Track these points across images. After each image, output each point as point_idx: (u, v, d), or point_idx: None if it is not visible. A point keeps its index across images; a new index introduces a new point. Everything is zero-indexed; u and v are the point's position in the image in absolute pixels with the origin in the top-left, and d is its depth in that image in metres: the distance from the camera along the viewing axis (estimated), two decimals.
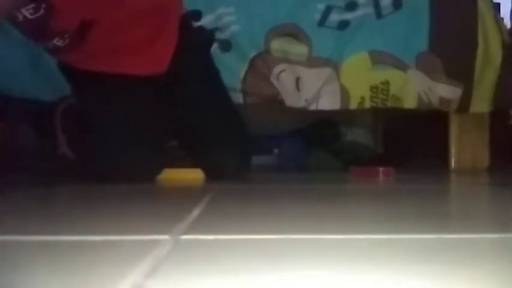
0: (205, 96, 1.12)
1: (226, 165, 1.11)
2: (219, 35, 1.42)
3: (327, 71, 1.42)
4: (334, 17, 1.44)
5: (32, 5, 0.91)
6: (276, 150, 1.67)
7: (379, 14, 1.44)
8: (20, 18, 0.94)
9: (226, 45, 1.42)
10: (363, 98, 1.43)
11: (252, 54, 1.42)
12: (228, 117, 1.15)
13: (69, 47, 1.00)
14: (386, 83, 1.42)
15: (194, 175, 1.13)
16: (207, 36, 1.29)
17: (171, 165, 1.13)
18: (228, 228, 0.56)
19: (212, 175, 1.12)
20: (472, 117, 1.52)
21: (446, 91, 1.45)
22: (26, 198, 0.89)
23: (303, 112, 1.47)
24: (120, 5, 0.98)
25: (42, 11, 0.93)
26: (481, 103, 1.48)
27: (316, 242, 0.49)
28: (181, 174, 1.13)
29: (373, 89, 1.43)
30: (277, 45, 1.42)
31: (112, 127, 1.07)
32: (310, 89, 1.42)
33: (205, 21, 1.41)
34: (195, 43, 1.14)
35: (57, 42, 0.99)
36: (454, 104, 1.47)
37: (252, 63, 1.42)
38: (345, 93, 1.43)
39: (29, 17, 0.93)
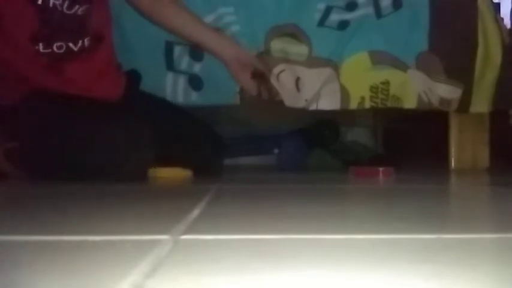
0: (168, 112, 1.32)
1: (201, 165, 1.24)
2: None
3: (327, 71, 1.42)
4: (334, 17, 1.43)
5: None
6: (276, 150, 1.67)
7: (379, 14, 1.44)
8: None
9: None
10: (363, 98, 1.43)
11: (252, 54, 1.42)
12: (194, 125, 1.32)
13: (87, 56, 1.17)
14: (386, 83, 1.42)
15: (182, 173, 1.22)
16: (137, 74, 1.40)
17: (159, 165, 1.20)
18: (228, 228, 0.56)
19: (195, 173, 1.24)
20: (472, 117, 1.52)
21: (446, 91, 1.45)
22: (26, 198, 0.89)
23: (303, 112, 1.47)
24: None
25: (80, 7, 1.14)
26: (481, 103, 1.48)
27: (316, 242, 0.49)
28: (169, 173, 1.21)
29: (373, 89, 1.43)
30: (277, 45, 1.42)
31: (109, 136, 1.11)
32: (310, 89, 1.42)
33: (206, 21, 1.41)
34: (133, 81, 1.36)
35: (87, 42, 1.17)
36: (454, 104, 1.47)
37: None
38: (345, 93, 1.43)
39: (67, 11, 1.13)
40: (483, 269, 0.39)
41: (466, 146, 1.54)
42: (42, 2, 1.10)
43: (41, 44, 1.13)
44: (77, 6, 1.14)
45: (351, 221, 0.64)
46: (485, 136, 1.55)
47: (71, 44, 1.15)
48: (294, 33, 1.42)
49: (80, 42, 1.17)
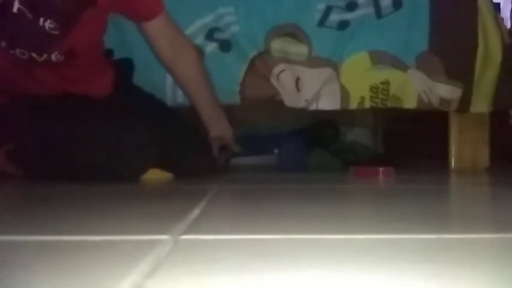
0: (155, 109, 1.29)
1: (190, 167, 1.22)
2: (219, 35, 1.42)
3: (327, 71, 1.42)
4: (334, 17, 1.44)
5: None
6: (276, 150, 1.67)
7: (379, 14, 1.44)
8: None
9: (226, 45, 1.42)
10: (363, 98, 1.43)
11: (252, 54, 1.42)
12: (180, 123, 1.28)
13: (59, 64, 1.12)
14: (386, 83, 1.42)
15: (162, 175, 1.21)
16: (129, 63, 1.38)
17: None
18: (228, 228, 0.56)
19: (179, 175, 1.21)
20: (472, 117, 1.52)
21: (446, 91, 1.45)
22: (26, 198, 0.89)
23: (303, 112, 1.47)
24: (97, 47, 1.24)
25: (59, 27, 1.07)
26: (481, 103, 1.48)
27: (316, 242, 0.49)
28: (149, 174, 1.19)
29: (373, 89, 1.43)
30: (277, 45, 1.42)
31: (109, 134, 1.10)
32: (310, 89, 1.42)
33: (205, 21, 1.41)
34: (123, 71, 1.34)
35: (55, 57, 1.10)
36: (454, 104, 1.47)
37: (252, 63, 1.42)
38: (345, 93, 1.43)
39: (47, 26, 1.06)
40: (483, 269, 0.39)
41: (466, 146, 1.54)
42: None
43: (3, 43, 1.07)
44: (41, 19, 1.05)
45: (351, 221, 0.64)
46: (485, 136, 1.55)
47: (34, 54, 1.09)
48: (294, 33, 1.42)
49: (45, 55, 1.10)
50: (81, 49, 1.14)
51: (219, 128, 1.36)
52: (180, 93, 1.43)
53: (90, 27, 1.14)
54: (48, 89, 1.15)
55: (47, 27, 1.06)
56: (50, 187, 1.02)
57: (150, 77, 1.39)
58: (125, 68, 1.35)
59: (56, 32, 1.07)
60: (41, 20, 1.05)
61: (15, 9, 1.03)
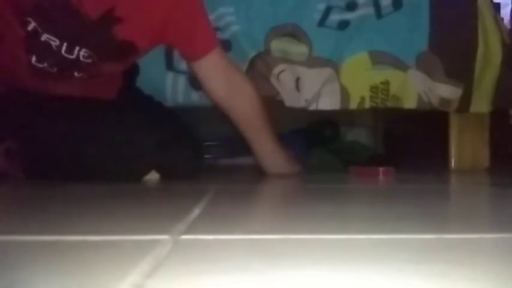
0: (149, 110, 1.26)
1: (180, 167, 1.16)
2: (219, 35, 1.42)
3: (327, 71, 1.42)
4: (334, 17, 1.43)
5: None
6: None
7: (379, 14, 1.44)
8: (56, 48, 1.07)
9: (226, 45, 1.42)
10: (362, 98, 1.43)
11: (252, 54, 1.42)
12: (174, 125, 1.23)
13: (81, 81, 1.15)
14: (387, 83, 1.42)
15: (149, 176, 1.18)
16: (134, 66, 1.37)
17: None
18: (228, 228, 0.56)
19: (167, 175, 1.17)
20: (472, 117, 1.51)
21: (446, 91, 1.45)
22: (26, 198, 0.89)
23: (303, 112, 1.47)
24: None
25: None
26: (481, 103, 1.48)
27: (316, 242, 0.49)
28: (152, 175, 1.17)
29: (373, 89, 1.42)
30: (277, 45, 1.42)
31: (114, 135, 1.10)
32: (310, 89, 1.42)
33: None
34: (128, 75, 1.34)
35: (78, 74, 1.13)
36: (454, 104, 1.47)
37: (252, 63, 1.42)
38: (345, 93, 1.43)
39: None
40: (483, 269, 0.39)
41: (466, 146, 1.54)
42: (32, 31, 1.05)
43: (33, 57, 1.09)
44: (77, 48, 1.08)
45: (351, 221, 0.64)
46: (485, 136, 1.55)
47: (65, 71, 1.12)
48: (294, 33, 1.42)
49: (75, 73, 1.13)
50: (108, 74, 1.19)
51: (275, 167, 1.29)
52: (180, 93, 1.43)
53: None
54: (61, 93, 1.16)
55: (80, 56, 1.09)
56: (50, 187, 1.02)
57: (150, 77, 1.39)
58: (130, 71, 1.35)
59: (88, 61, 1.10)
60: (76, 48, 1.08)
61: (42, 39, 1.06)
